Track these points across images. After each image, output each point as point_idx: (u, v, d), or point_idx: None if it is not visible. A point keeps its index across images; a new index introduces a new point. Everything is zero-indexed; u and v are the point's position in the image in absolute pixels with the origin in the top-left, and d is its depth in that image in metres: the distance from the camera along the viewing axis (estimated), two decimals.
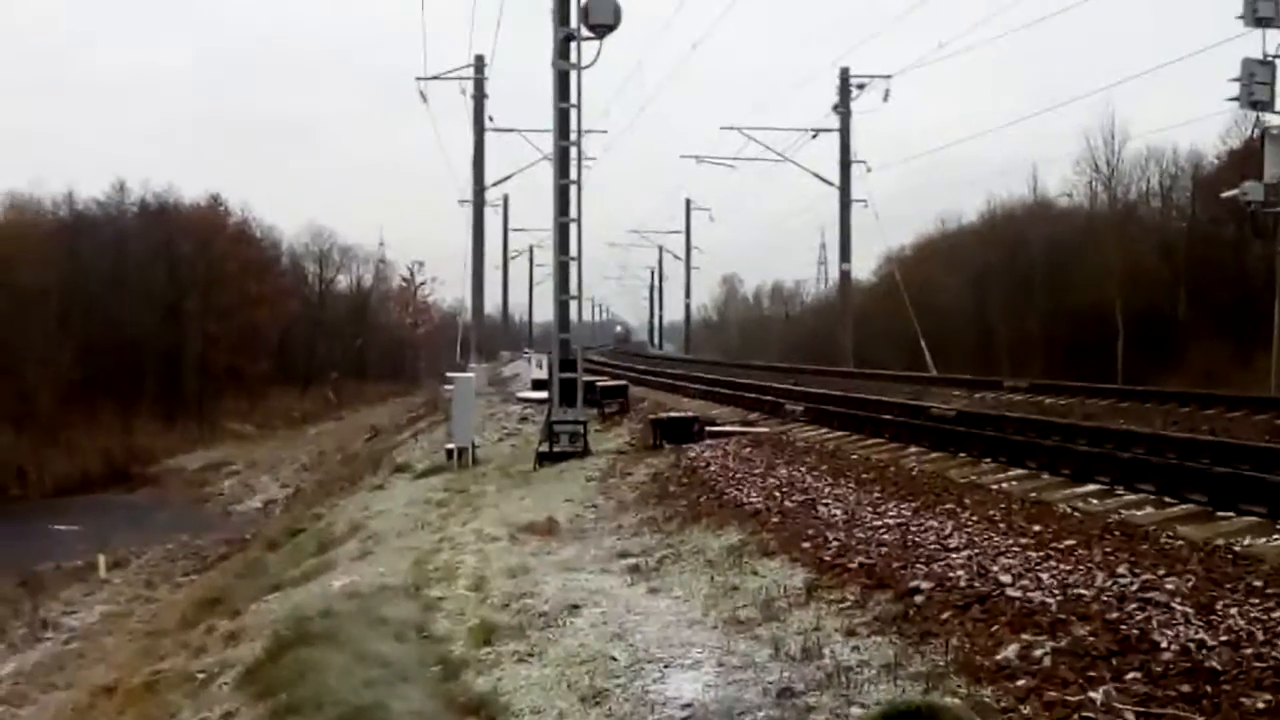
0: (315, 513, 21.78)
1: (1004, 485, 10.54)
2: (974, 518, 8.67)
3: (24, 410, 57.37)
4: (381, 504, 16.39)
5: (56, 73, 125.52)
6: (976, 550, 7.54)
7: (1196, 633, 5.39)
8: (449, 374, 24.58)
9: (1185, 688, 4.78)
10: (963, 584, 6.74)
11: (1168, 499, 9.18)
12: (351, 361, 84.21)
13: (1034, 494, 9.85)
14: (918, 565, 7.32)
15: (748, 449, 14.34)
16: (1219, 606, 5.72)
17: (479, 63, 42.91)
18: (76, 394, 61.37)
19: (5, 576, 28.71)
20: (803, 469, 12.23)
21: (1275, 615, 5.51)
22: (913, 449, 13.79)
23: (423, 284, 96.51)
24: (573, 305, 18.16)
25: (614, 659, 6.31)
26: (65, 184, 74.32)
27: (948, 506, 9.25)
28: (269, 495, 43.91)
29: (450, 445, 19.17)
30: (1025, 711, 4.83)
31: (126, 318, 66.99)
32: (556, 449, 16.57)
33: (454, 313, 78.19)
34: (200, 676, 8.42)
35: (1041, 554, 7.25)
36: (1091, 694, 4.85)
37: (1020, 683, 5.13)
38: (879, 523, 8.89)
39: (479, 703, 5.89)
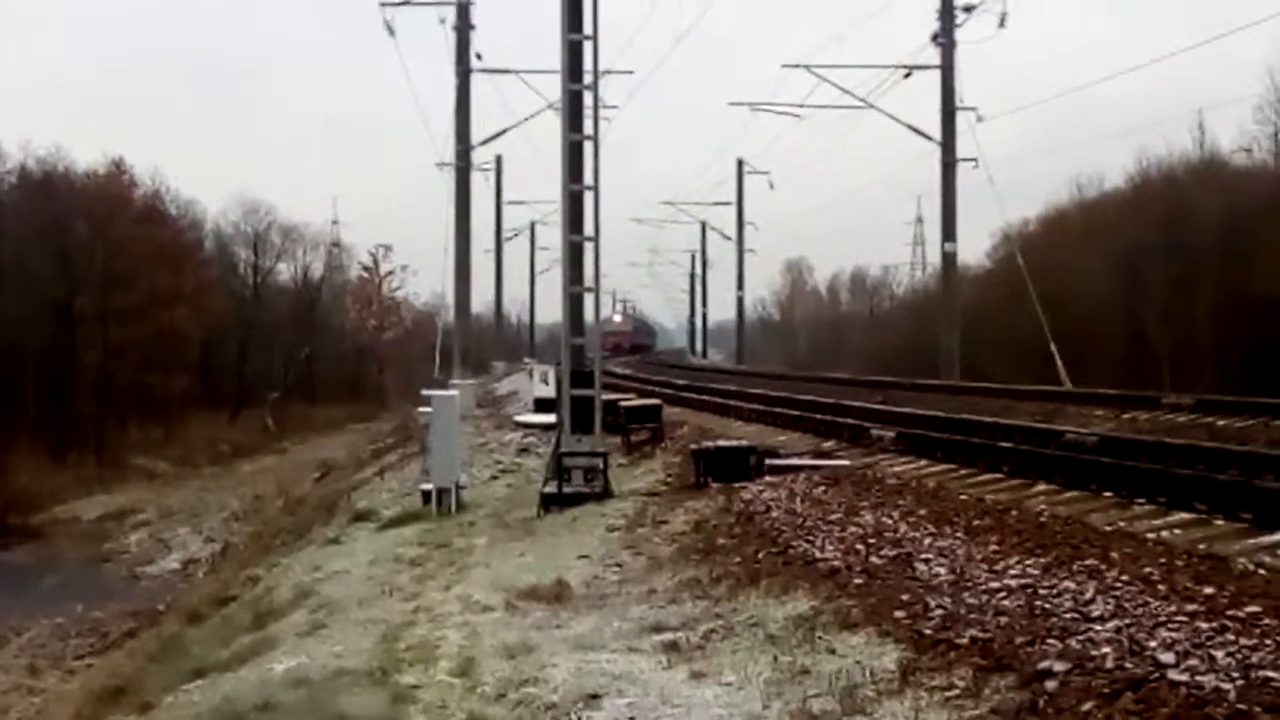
0: (250, 575, 21.85)
1: (1163, 534, 10.49)
2: (1124, 577, 8.62)
3: None
4: (337, 563, 16.42)
5: None
6: (1128, 620, 7.50)
7: None
8: (426, 392, 24.59)
9: None
10: (1110, 665, 6.70)
11: None
12: (297, 378, 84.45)
13: (1204, 546, 9.79)
14: (1049, 640, 7.29)
15: (821, 488, 14.32)
16: None
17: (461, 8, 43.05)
18: None
19: None
20: (895, 514, 12.20)
21: None
22: (1041, 487, 13.74)
23: (389, 274, 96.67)
24: (589, 299, 18.12)
25: None
26: None
27: (1088, 563, 9.20)
28: (189, 553, 44.09)
29: (427, 486, 19.19)
30: None
31: (2, 320, 67.31)
32: (568, 489, 16.57)
33: (432, 311, 78.07)
34: None
35: (1215, 625, 7.20)
36: None
37: None
38: (997, 584, 8.85)
39: None
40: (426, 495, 18.97)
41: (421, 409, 22.28)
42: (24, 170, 75.08)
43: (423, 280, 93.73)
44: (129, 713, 11.82)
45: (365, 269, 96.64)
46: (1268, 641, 6.77)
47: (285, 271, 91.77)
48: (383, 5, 41.99)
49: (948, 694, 6.77)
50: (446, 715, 7.70)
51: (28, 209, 73.13)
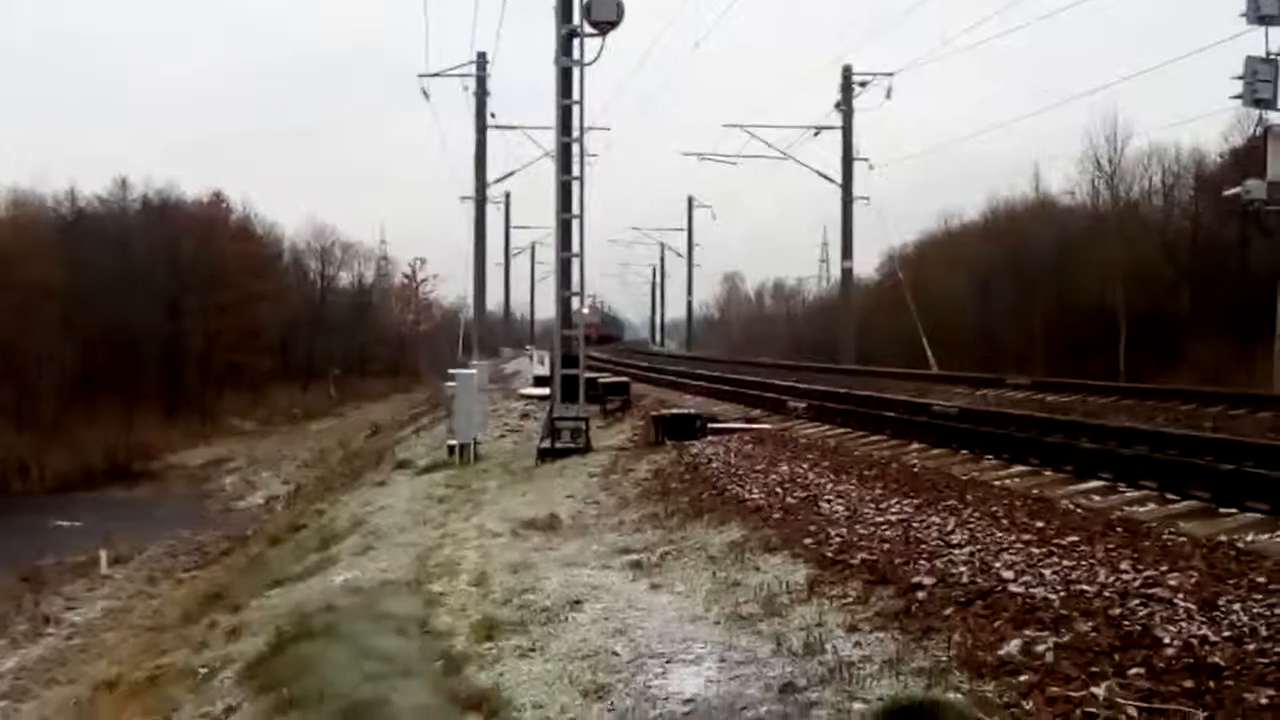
0: (317, 509, 21.78)
1: (1006, 482, 10.54)
2: (976, 514, 8.67)
3: (26, 407, 57.48)
4: (383, 500, 16.38)
5: (63, 74, 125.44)
6: (979, 546, 7.54)
7: (1199, 629, 5.39)
8: (451, 370, 24.52)
9: (1188, 683, 4.77)
10: (965, 580, 6.74)
11: (1170, 496, 9.19)
12: (353, 358, 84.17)
13: (1036, 490, 9.85)
14: (920, 561, 7.32)
15: (750, 445, 14.34)
16: (1221, 602, 5.72)
17: (481, 60, 42.91)
18: (78, 390, 61.44)
19: (7, 572, 28.73)
20: (805, 465, 12.23)
21: (1278, 611, 5.51)
22: (915, 446, 13.80)
23: (424, 281, 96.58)
24: (575, 301, 18.19)
25: (616, 654, 6.30)
26: (68, 181, 74.40)
27: (950, 503, 9.24)
28: (270, 491, 43.91)
29: (452, 441, 19.17)
30: (1027, 707, 4.82)
31: (128, 314, 66.87)
32: (558, 445, 16.57)
33: (456, 309, 77.97)
34: (202, 671, 8.41)
35: (1044, 550, 7.24)
36: (1094, 690, 4.85)
37: (1023, 678, 5.12)
38: (881, 519, 8.88)
39: (481, 698, 5.88)
40: (451, 449, 18.95)
41: (448, 383, 22.23)
42: (146, 200, 75.06)
43: (449, 285, 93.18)
44: (224, 613, 11.76)
45: (405, 276, 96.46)
46: (1083, 563, 6.82)
47: (344, 278, 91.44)
48: (420, 76, 42.04)
49: (843, 601, 6.80)
50: (466, 615, 7.68)
51: (149, 229, 72.84)
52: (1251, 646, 5.07)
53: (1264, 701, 4.50)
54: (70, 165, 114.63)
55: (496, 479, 15.59)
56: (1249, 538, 7.39)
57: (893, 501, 9.55)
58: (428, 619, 7.78)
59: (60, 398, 59.90)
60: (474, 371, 22.11)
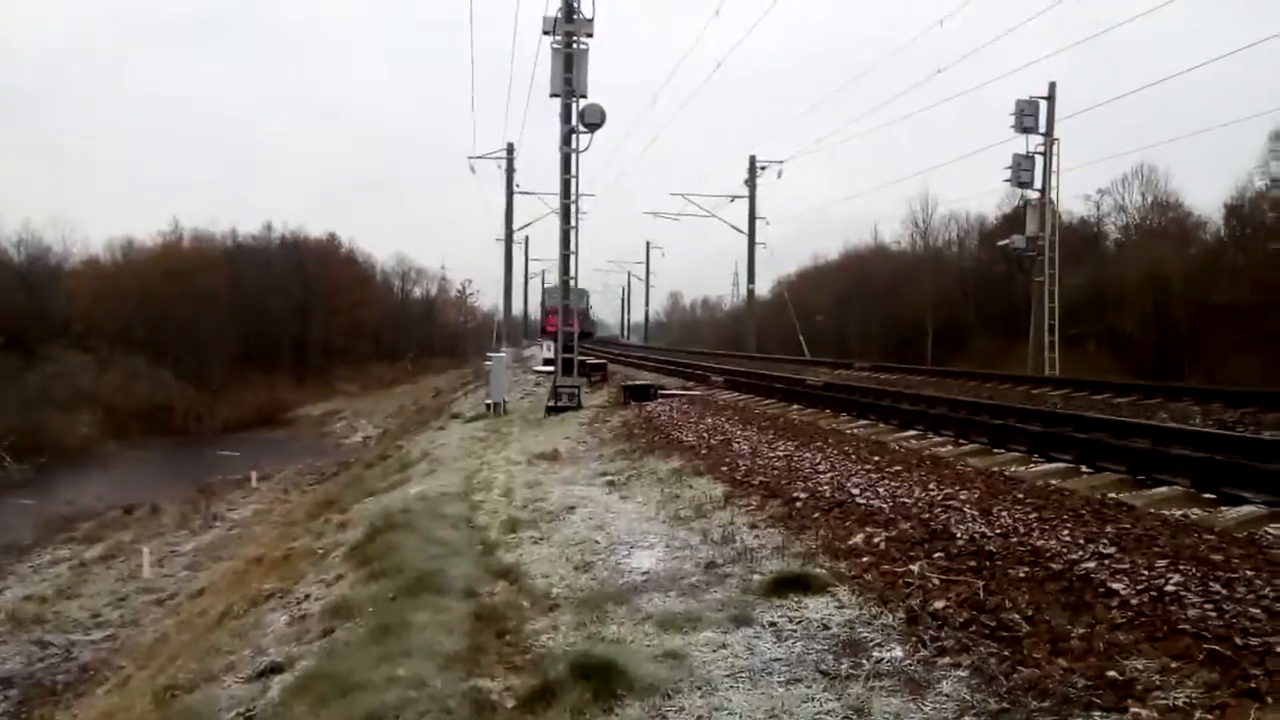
0: (397, 444, 21.65)
1: (855, 430, 10.60)
2: (835, 452, 8.72)
3: (202, 375, 57.14)
4: (442, 439, 16.29)
5: (224, 141, 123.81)
6: (836, 473, 7.58)
7: (980, 527, 5.44)
8: (488, 354, 24.43)
9: (972, 563, 4.82)
10: (827, 495, 6.77)
11: (961, 440, 9.26)
12: (423, 345, 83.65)
13: (874, 436, 9.91)
14: (798, 483, 7.35)
15: (686, 406, 14.35)
16: (995, 510, 5.78)
17: (510, 149, 42.52)
18: (237, 364, 61.16)
19: (188, 486, 28.48)
20: (722, 419, 12.25)
21: (1031, 516, 5.57)
22: (795, 406, 13.84)
23: (471, 295, 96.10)
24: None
25: (597, 542, 6.30)
26: (230, 223, 74.30)
27: (818, 444, 9.30)
28: (366, 433, 43.62)
29: (488, 401, 19.05)
30: (868, 578, 4.85)
31: (271, 314, 66.69)
32: (559, 404, 16.49)
33: (492, 314, 77.79)
34: (320, 551, 8.35)
35: (879, 475, 7.29)
36: (911, 566, 4.89)
37: (864, 559, 5.15)
38: (773, 454, 8.92)
39: (507, 570, 5.87)
40: (488, 406, 18.83)
41: (486, 362, 22.08)
42: (284, 238, 74.68)
43: (487, 297, 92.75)
44: (334, 513, 11.68)
45: (458, 291, 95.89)
46: (905, 484, 6.86)
47: (417, 292, 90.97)
48: (469, 158, 42.02)
49: (748, 508, 6.82)
50: (497, 516, 7.65)
51: (285, 256, 72.53)
52: (1014, 540, 5.13)
53: (1021, 575, 4.55)
54: (227, 207, 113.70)
55: (517, 426, 15.52)
56: (1013, 469, 7.47)
57: (780, 443, 9.59)
58: (471, 518, 7.75)
59: (225, 368, 59.51)
60: (503, 355, 21.99)
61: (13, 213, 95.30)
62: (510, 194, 42.92)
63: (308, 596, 6.51)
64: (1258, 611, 3.80)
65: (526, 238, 61.85)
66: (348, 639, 4.93)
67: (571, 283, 17.67)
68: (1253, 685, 3.22)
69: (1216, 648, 3.50)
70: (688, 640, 4.22)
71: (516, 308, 66.19)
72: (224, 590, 11.91)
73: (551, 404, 16.59)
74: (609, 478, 9.00)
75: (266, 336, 65.89)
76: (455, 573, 5.81)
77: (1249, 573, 4.25)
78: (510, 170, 42.60)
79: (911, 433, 10.13)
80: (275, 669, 4.89)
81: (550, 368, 20.65)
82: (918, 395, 13.47)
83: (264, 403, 57.00)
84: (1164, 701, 3.22)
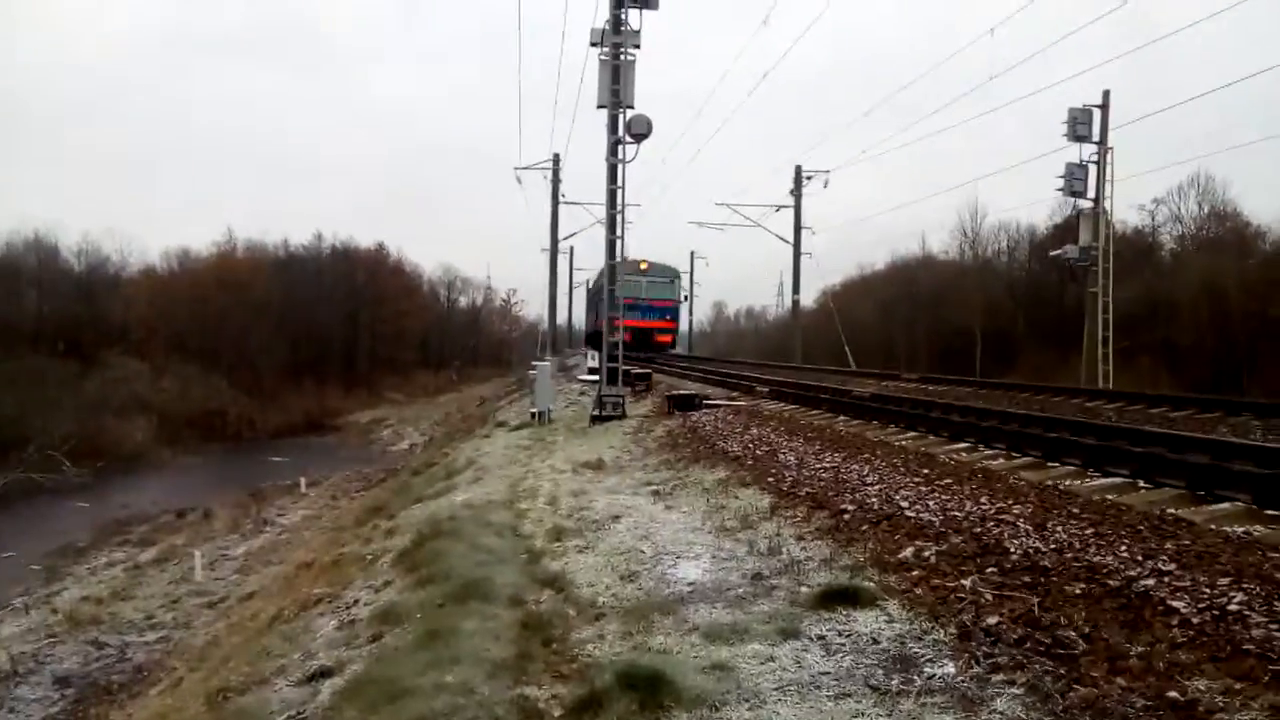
0: (444, 452, 21.86)
1: (903, 442, 10.46)
2: (883, 464, 8.61)
3: (253, 382, 58.17)
4: (487, 447, 16.40)
5: (279, 153, 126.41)
6: (885, 485, 7.49)
7: (1034, 542, 5.33)
8: (533, 362, 24.59)
9: (1026, 579, 4.73)
10: (876, 507, 6.69)
11: (1014, 454, 9.10)
12: (468, 354, 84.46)
13: (923, 448, 9.77)
14: (845, 494, 7.28)
15: (731, 416, 14.29)
16: (1049, 525, 5.66)
17: (556, 159, 42.81)
18: (287, 371, 62.31)
19: (240, 490, 28.96)
20: (768, 430, 12.18)
21: (1087, 531, 5.45)
22: (842, 417, 13.71)
23: (516, 304, 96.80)
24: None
25: (642, 551, 6.29)
26: (282, 234, 75.76)
27: (865, 456, 9.19)
28: (413, 440, 44.10)
29: (533, 409, 19.16)
30: (918, 592, 4.79)
31: (321, 322, 67.78)
32: (604, 414, 16.52)
33: (537, 323, 78.27)
34: (369, 557, 8.44)
35: (929, 488, 7.19)
36: (963, 581, 4.81)
37: (914, 573, 5.09)
38: (819, 465, 8.84)
39: (553, 578, 5.88)
40: (533, 414, 18.92)
41: (531, 371, 22.21)
42: (334, 248, 75.86)
43: (532, 307, 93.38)
44: (383, 520, 11.81)
45: (503, 300, 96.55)
46: (955, 497, 6.76)
47: (463, 301, 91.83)
48: (516, 169, 42.34)
49: (794, 520, 6.77)
50: (542, 524, 7.68)
51: (335, 266, 73.73)
52: (1069, 555, 5.02)
53: (1078, 592, 4.45)
54: (279, 217, 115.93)
55: (562, 435, 15.57)
56: (1067, 483, 7.31)
57: (827, 454, 9.50)
58: (517, 526, 7.78)
59: (275, 376, 60.56)
60: (548, 364, 22.09)
61: (75, 222, 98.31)
62: (556, 204, 43.19)
63: (356, 602, 6.58)
64: None
65: (571, 248, 62.15)
66: (396, 644, 4.98)
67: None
68: None
69: None
70: (735, 652, 4.20)
71: (561, 317, 66.59)
72: (274, 594, 12.10)
73: (596, 413, 16.62)
74: (654, 487, 8.99)
75: (316, 344, 67.03)
76: (502, 580, 5.84)
77: None
78: (556, 180, 42.89)
79: (961, 445, 9.97)
80: (325, 673, 4.95)
81: (595, 377, 20.72)
82: (967, 407, 13.26)
83: (313, 410, 57.96)
84: None
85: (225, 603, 15.44)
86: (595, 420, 16.32)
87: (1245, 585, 4.25)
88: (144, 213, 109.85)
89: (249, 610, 12.32)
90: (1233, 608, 3.99)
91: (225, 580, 17.49)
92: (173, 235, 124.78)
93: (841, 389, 18.29)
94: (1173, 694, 3.35)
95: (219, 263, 67.84)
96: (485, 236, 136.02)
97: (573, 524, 7.49)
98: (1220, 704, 3.26)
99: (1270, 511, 5.66)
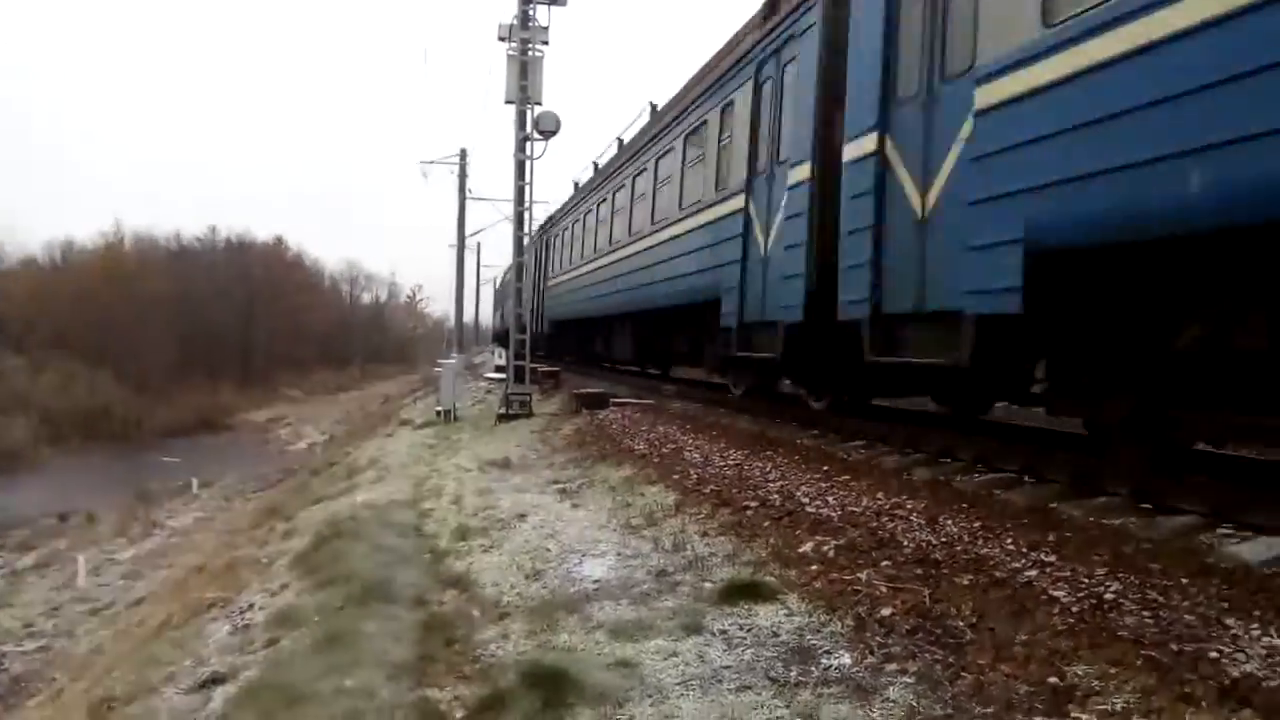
0: (345, 451, 21.37)
1: (804, 440, 10.67)
2: (785, 461, 8.78)
3: (141, 379, 55.84)
4: (391, 446, 16.12)
5: (176, 145, 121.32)
6: (787, 482, 7.64)
7: (926, 536, 5.52)
8: (439, 360, 24.28)
9: (919, 571, 4.89)
10: (777, 503, 6.82)
11: (907, 450, 9.38)
12: (372, 351, 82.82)
13: (823, 447, 9.99)
14: (748, 491, 7.39)
15: (638, 414, 14.36)
16: (940, 519, 5.87)
17: (463, 154, 42.39)
18: (179, 369, 59.97)
19: (127, 491, 27.79)
20: (674, 428, 12.27)
21: (975, 525, 5.66)
22: (745, 416, 13.91)
23: (421, 300, 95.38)
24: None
25: (548, 550, 6.28)
26: (174, 226, 72.76)
27: (768, 453, 9.35)
28: (312, 439, 42.94)
29: (439, 408, 18.90)
30: (817, 585, 4.90)
31: (216, 317, 65.45)
32: (511, 412, 16.41)
33: (444, 320, 77.32)
34: (264, 560, 8.20)
35: (829, 484, 7.36)
36: (859, 574, 4.94)
37: (814, 567, 5.20)
38: (723, 463, 8.96)
39: (457, 578, 5.82)
40: (439, 412, 18.69)
41: (436, 369, 21.93)
42: (229, 241, 73.45)
43: (441, 303, 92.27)
44: (279, 521, 11.48)
45: (409, 297, 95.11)
46: (853, 494, 6.94)
47: (367, 297, 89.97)
48: (421, 163, 41.97)
49: (699, 516, 6.84)
50: (447, 524, 7.59)
51: (230, 261, 71.26)
52: (958, 548, 5.21)
53: (966, 583, 4.63)
54: (174, 211, 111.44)
55: (468, 433, 15.40)
56: (958, 479, 7.57)
57: (731, 452, 9.63)
58: (421, 526, 7.68)
59: (166, 372, 58.27)
60: (454, 361, 21.85)
61: None
62: (463, 199, 42.77)
63: (252, 606, 6.38)
64: (1192, 618, 3.92)
65: (479, 245, 61.67)
66: (294, 649, 4.85)
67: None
68: (1188, 690, 3.32)
69: (1153, 653, 3.60)
70: (639, 648, 4.23)
71: (470, 314, 65.76)
72: (164, 600, 11.64)
73: (503, 411, 16.49)
74: (560, 485, 8.97)
75: (209, 340, 64.78)
76: (404, 581, 5.75)
77: (1183, 580, 4.38)
78: (463, 175, 42.46)
79: (859, 443, 10.24)
80: (217, 680, 4.79)
81: (502, 375, 20.55)
82: (870, 407, 13.60)
83: (206, 408, 55.90)
84: (1103, 706, 3.31)
85: (111, 609, 14.78)
86: (502, 418, 16.19)
87: (1120, 575, 4.49)
88: (23, 204, 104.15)
89: (136, 616, 11.82)
90: (1109, 596, 4.22)
91: (111, 586, 16.73)
92: (57, 228, 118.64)
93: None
94: (1053, 679, 3.52)
95: (105, 255, 64.91)
96: (393, 232, 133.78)
97: (478, 523, 7.41)
98: (1097, 687, 3.44)
99: (1145, 505, 5.99)
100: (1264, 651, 3.55)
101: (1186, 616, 3.93)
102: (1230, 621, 3.84)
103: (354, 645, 4.61)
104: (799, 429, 11.96)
